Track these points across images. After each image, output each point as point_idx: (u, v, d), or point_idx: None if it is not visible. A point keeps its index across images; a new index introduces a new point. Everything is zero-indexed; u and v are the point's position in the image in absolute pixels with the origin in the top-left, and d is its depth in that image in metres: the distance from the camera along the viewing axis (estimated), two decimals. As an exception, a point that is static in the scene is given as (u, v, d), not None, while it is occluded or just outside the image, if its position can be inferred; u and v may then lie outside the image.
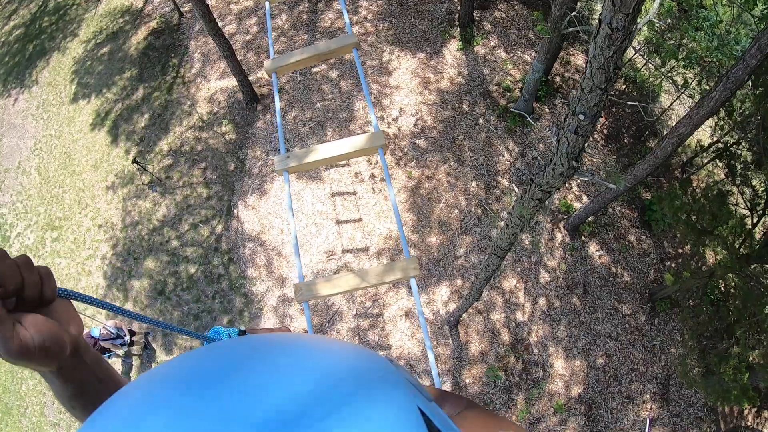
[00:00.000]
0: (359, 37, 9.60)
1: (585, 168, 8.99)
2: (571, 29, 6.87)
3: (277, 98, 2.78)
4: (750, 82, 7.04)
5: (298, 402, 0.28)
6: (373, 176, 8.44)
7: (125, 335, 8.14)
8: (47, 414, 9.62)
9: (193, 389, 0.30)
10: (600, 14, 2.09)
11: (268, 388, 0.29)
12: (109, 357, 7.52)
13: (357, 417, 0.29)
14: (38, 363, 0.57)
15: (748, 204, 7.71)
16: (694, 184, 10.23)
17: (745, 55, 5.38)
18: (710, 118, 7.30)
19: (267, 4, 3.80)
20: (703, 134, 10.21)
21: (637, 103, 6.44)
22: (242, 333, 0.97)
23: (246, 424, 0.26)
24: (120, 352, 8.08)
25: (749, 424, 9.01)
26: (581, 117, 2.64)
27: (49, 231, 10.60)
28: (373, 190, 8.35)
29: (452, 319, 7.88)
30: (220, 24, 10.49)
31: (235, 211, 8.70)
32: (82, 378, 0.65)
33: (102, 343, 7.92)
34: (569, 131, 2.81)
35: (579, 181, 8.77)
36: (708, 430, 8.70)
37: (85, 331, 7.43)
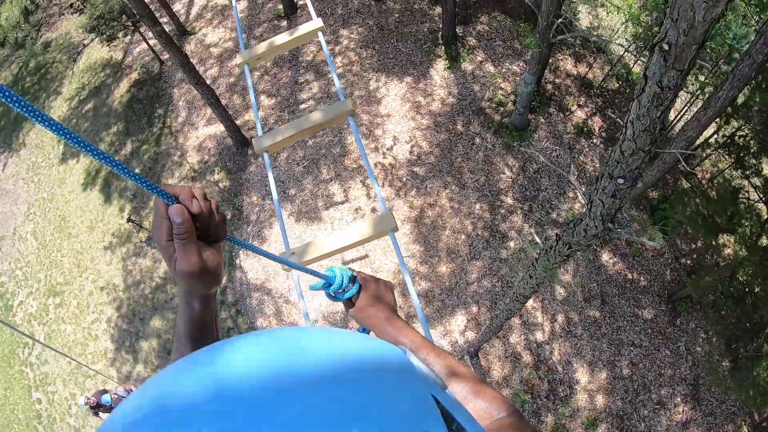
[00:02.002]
0: (344, 68, 9.46)
1: (621, 220, 8.81)
2: (560, 37, 6.70)
3: (271, 178, 2.59)
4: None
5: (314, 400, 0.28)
6: (374, 210, 8.24)
7: None
8: None
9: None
10: (645, 70, 1.79)
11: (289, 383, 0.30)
12: None
13: (372, 407, 0.29)
14: (204, 282, 0.69)
15: (761, 196, 7.51)
16: (699, 176, 10.02)
17: (750, 51, 5.19)
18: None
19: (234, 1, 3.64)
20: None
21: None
22: (353, 278, 1.03)
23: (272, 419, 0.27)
24: None
25: (783, 411, 8.76)
26: (620, 181, 2.41)
27: (52, 297, 10.41)
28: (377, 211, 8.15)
29: (472, 349, 7.66)
30: (201, 69, 10.36)
31: (237, 261, 8.50)
32: (213, 312, 0.77)
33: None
34: (605, 194, 2.58)
35: (584, 189, 8.58)
36: (743, 423, 8.47)
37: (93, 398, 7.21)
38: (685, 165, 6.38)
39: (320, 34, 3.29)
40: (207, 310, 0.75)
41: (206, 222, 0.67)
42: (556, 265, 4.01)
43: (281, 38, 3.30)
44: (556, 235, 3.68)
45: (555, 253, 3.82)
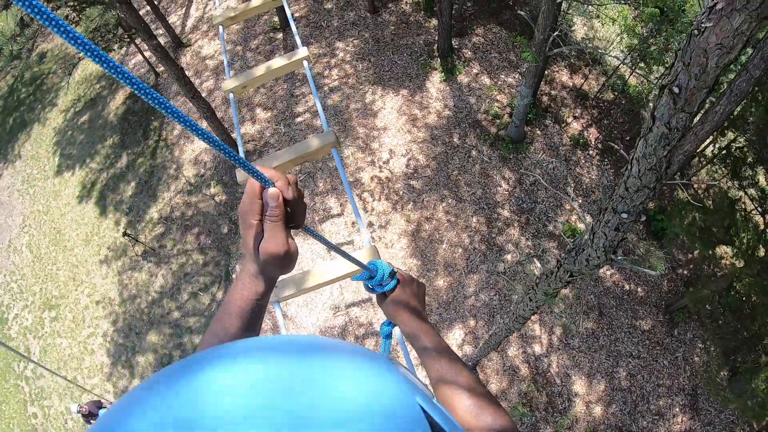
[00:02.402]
0: (340, 81, 9.46)
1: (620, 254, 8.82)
2: (556, 50, 6.72)
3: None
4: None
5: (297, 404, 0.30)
6: (370, 224, 8.23)
7: None
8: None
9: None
10: (653, 110, 1.80)
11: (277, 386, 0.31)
12: None
13: (358, 413, 0.30)
14: (283, 265, 0.72)
15: (759, 208, 7.55)
16: (695, 186, 10.06)
17: (748, 66, 5.18)
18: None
19: (221, 29, 3.63)
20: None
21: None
22: (393, 273, 1.09)
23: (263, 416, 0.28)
24: None
25: (783, 419, 8.77)
26: (624, 216, 2.43)
27: (47, 310, 10.34)
28: (372, 238, 8.12)
29: (470, 363, 7.63)
30: (197, 81, 10.34)
31: (234, 275, 8.46)
32: (267, 300, 0.80)
33: None
34: (609, 228, 2.59)
35: (581, 201, 8.59)
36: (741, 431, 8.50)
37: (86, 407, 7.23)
38: (682, 187, 6.38)
39: (305, 63, 3.27)
40: (267, 295, 0.78)
41: (294, 209, 0.71)
42: (557, 290, 4.00)
43: (266, 67, 3.28)
44: (557, 261, 3.68)
45: (556, 279, 3.81)
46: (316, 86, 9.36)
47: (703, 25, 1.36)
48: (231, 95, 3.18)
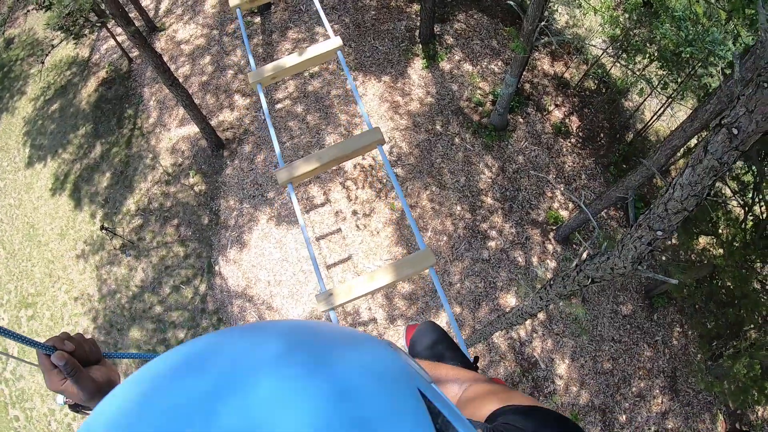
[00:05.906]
0: (321, 67, 9.26)
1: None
2: (543, 40, 6.65)
3: (297, 209, 2.54)
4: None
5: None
6: (355, 213, 8.14)
7: None
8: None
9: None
10: (707, 145, 1.95)
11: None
12: None
13: (360, 401, 0.30)
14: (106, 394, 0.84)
15: (739, 200, 7.68)
16: (674, 174, 10.22)
17: (740, 69, 5.27)
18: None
19: (239, 11, 3.47)
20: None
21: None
22: None
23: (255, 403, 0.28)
24: None
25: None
26: (660, 233, 2.50)
27: (23, 309, 10.01)
28: (357, 227, 8.05)
29: (455, 350, 7.69)
30: (172, 67, 9.99)
31: (216, 267, 8.31)
32: None
33: None
34: (642, 243, 2.66)
35: (562, 189, 8.65)
36: (719, 412, 8.79)
37: None
38: (660, 176, 6.48)
39: (339, 53, 3.08)
40: None
41: (82, 353, 0.85)
42: (572, 292, 4.01)
43: (295, 59, 3.08)
44: (576, 266, 3.69)
45: (572, 282, 3.81)
46: (299, 74, 9.13)
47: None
48: (259, 87, 3.04)
